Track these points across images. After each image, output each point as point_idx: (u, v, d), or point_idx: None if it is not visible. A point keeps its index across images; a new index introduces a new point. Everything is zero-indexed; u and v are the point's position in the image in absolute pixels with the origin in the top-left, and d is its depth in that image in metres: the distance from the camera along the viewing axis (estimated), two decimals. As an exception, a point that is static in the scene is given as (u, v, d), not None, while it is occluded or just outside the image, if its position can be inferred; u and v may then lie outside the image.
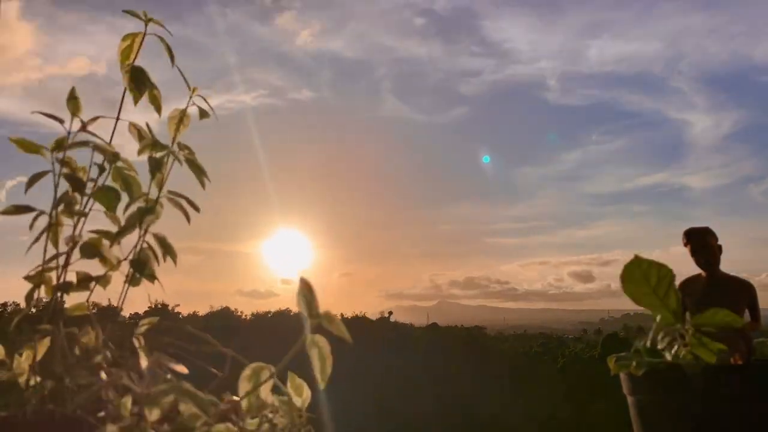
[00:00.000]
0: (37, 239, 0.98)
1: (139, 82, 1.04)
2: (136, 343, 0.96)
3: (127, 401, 0.84)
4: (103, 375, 0.87)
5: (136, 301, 1.05)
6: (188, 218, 1.07)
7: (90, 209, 1.02)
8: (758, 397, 1.13)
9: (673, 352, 1.22)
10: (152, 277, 1.04)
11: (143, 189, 1.05)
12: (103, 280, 1.02)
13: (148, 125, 1.06)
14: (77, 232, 1.00)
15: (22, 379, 0.90)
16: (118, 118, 1.05)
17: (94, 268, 1.03)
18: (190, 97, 1.09)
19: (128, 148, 1.08)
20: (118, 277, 1.04)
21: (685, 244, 3.58)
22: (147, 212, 1.02)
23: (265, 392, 0.86)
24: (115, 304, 1.05)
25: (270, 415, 0.87)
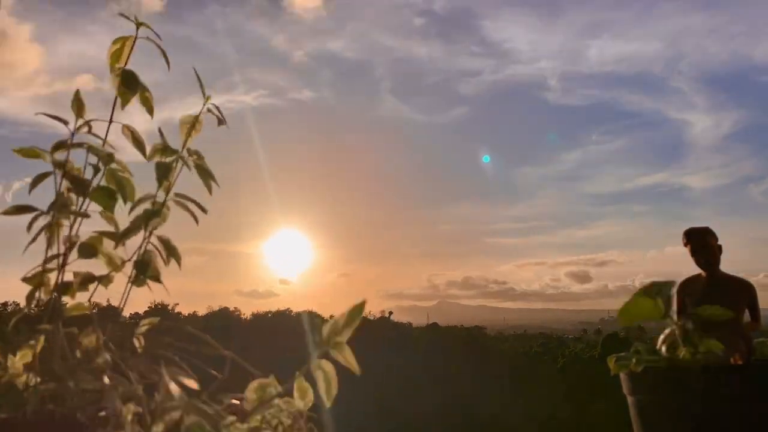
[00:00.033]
0: (33, 240, 0.98)
1: (129, 84, 1.03)
2: (137, 344, 0.96)
3: (130, 408, 0.84)
4: (106, 380, 0.87)
5: (136, 301, 1.05)
6: (197, 220, 1.07)
7: (86, 209, 1.02)
8: (758, 397, 1.13)
9: (673, 352, 1.22)
10: (156, 279, 1.04)
11: (150, 191, 1.05)
12: (106, 280, 1.02)
13: (160, 130, 1.06)
14: (74, 232, 1.00)
15: (19, 380, 0.89)
16: (111, 121, 1.04)
17: (95, 268, 1.03)
18: (204, 104, 1.08)
19: (130, 149, 1.08)
20: (119, 278, 1.04)
21: (685, 244, 3.58)
22: (153, 215, 1.02)
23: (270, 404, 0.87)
24: (115, 304, 1.05)
25: (270, 417, 0.87)
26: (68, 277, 1.00)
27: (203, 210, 1.07)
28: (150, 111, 1.07)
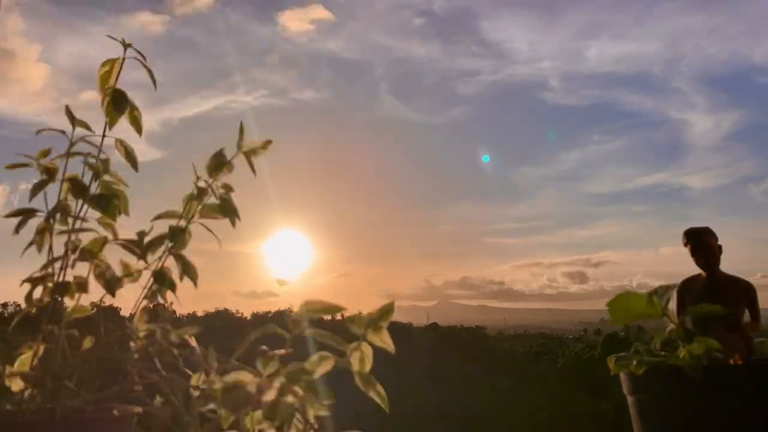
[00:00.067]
0: (31, 243, 1.00)
1: (118, 105, 1.06)
2: (133, 346, 0.97)
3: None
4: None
5: (133, 300, 1.06)
6: (220, 244, 1.10)
7: (85, 215, 1.04)
8: (759, 397, 1.14)
9: (673, 352, 1.22)
10: (173, 290, 1.06)
11: (144, 201, 1.08)
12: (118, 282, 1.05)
13: (194, 166, 1.08)
14: (74, 237, 1.02)
15: (19, 380, 0.90)
16: (104, 135, 1.06)
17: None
18: (237, 152, 1.10)
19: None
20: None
21: (685, 244, 3.58)
22: (179, 235, 1.06)
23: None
24: (115, 305, 1.06)
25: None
26: (72, 279, 1.02)
27: (219, 242, 1.11)
28: (138, 130, 1.10)
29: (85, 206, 1.03)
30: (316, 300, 0.96)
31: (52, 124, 1.04)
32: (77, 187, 1.02)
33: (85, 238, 1.03)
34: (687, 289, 3.49)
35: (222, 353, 0.95)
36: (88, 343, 0.97)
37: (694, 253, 3.52)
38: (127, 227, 1.08)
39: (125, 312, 1.05)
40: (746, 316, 3.49)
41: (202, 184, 1.08)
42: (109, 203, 1.05)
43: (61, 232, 1.01)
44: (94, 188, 1.06)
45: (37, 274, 0.99)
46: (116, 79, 1.07)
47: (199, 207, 1.08)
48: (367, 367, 0.95)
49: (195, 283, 1.08)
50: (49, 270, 1.00)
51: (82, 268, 1.02)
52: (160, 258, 1.06)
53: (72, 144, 1.04)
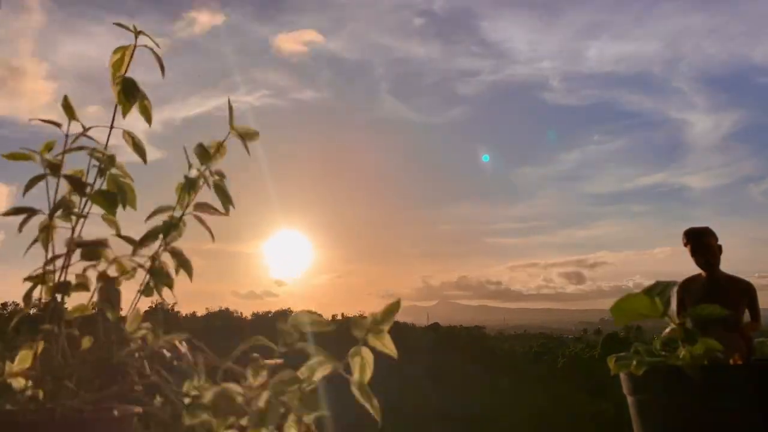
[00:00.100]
0: (35, 241, 0.99)
1: (129, 93, 1.05)
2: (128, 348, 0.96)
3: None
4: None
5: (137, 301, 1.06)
6: (213, 237, 1.09)
7: (88, 212, 1.03)
8: (758, 397, 1.13)
9: (673, 352, 1.22)
10: (170, 286, 1.06)
11: (149, 195, 1.08)
12: (116, 282, 1.04)
13: (185, 149, 1.08)
14: (77, 234, 1.01)
15: (19, 380, 0.90)
16: (111, 126, 1.06)
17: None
18: (229, 133, 1.10)
19: (130, 150, 1.09)
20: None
21: (685, 244, 3.58)
22: (172, 228, 1.05)
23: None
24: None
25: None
26: (73, 279, 1.01)
27: (211, 235, 1.10)
28: (148, 120, 1.09)
29: (89, 202, 1.03)
30: (305, 313, 0.93)
31: (56, 129, 1.03)
32: (75, 184, 1.02)
33: (88, 237, 1.02)
34: (687, 289, 3.49)
35: (222, 353, 0.94)
36: (87, 342, 0.97)
37: (694, 253, 3.52)
38: (134, 223, 1.07)
39: (125, 312, 1.05)
40: (746, 316, 3.49)
41: (194, 173, 1.08)
42: (112, 200, 1.04)
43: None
44: (101, 183, 1.05)
45: (38, 272, 0.99)
46: (127, 68, 1.06)
47: (194, 196, 1.08)
48: (368, 374, 0.91)
49: (190, 277, 1.07)
50: (50, 268, 0.99)
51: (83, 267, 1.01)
52: (155, 253, 1.05)
53: (68, 137, 1.02)
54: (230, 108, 1.10)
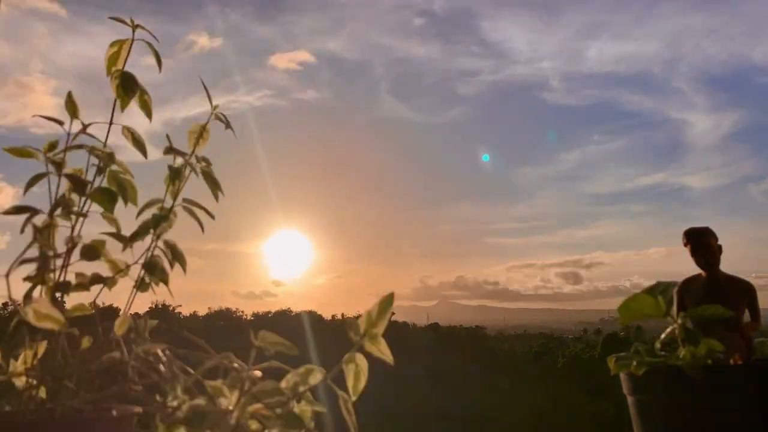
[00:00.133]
0: (32, 243, 0.98)
1: (127, 87, 1.03)
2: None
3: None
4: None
5: (137, 301, 1.05)
6: (203, 228, 1.08)
7: (88, 211, 1.02)
8: (759, 397, 1.13)
9: (673, 352, 1.22)
10: (165, 281, 1.04)
11: (150, 193, 1.07)
12: (110, 282, 1.03)
13: (168, 137, 1.06)
14: (76, 233, 1.00)
15: (19, 380, 0.90)
16: (111, 123, 1.05)
17: (99, 269, 1.03)
18: (212, 113, 1.09)
19: (130, 149, 1.09)
20: (121, 281, 1.04)
21: (685, 244, 3.58)
22: (162, 220, 1.03)
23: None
24: (115, 305, 1.05)
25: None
26: (71, 278, 1.01)
27: (211, 216, 1.09)
28: (148, 114, 1.08)
29: (88, 201, 1.02)
30: (271, 335, 0.89)
31: (59, 132, 1.02)
32: (75, 182, 1.01)
33: (86, 234, 1.02)
34: (687, 289, 3.49)
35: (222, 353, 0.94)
36: (86, 342, 0.97)
37: (694, 253, 3.52)
38: (135, 222, 1.06)
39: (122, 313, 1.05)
40: (746, 316, 3.49)
41: (179, 161, 1.05)
42: (111, 198, 1.02)
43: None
44: (100, 180, 1.04)
45: (37, 271, 0.98)
46: (125, 62, 1.04)
47: (181, 185, 1.06)
48: (362, 383, 0.85)
49: (184, 270, 1.06)
50: (50, 267, 0.99)
51: (82, 266, 1.01)
52: (148, 249, 1.04)
53: (70, 136, 1.01)
54: (205, 87, 1.07)
